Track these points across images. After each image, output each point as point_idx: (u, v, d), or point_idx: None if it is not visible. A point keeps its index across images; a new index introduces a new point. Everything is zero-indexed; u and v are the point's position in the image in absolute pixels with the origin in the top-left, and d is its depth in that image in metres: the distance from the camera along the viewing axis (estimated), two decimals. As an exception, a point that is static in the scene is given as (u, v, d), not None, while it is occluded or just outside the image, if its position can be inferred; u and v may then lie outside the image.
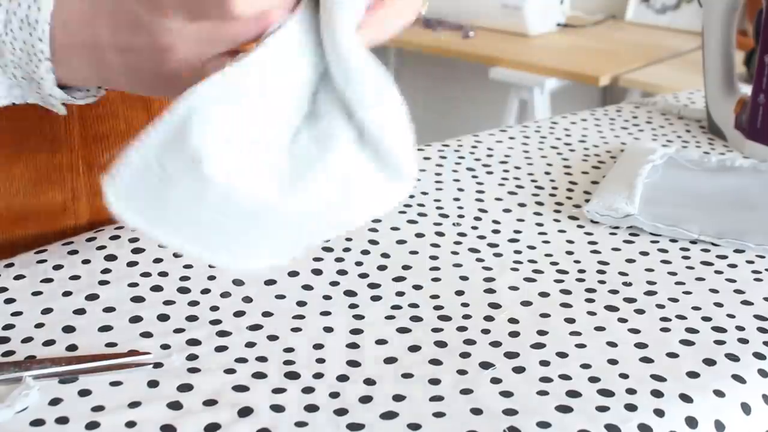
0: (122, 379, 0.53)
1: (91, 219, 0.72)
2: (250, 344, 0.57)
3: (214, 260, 0.47)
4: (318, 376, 0.54)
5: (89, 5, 0.50)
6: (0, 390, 0.51)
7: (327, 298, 0.63)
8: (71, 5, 0.50)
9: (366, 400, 0.52)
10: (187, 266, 0.66)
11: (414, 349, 0.57)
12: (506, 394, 0.52)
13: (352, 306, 0.62)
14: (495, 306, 0.62)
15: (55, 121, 0.68)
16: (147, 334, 0.57)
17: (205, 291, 0.63)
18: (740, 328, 0.60)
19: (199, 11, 0.46)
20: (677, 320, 0.61)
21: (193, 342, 0.57)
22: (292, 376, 0.54)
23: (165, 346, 0.56)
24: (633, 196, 0.76)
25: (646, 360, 0.56)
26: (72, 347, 0.56)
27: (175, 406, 0.51)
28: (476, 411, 0.51)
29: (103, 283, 0.63)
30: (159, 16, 0.47)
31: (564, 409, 0.51)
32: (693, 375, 0.55)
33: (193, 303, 0.61)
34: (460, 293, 0.64)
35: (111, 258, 0.66)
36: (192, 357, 0.55)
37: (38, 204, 0.70)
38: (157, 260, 0.66)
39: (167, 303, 0.61)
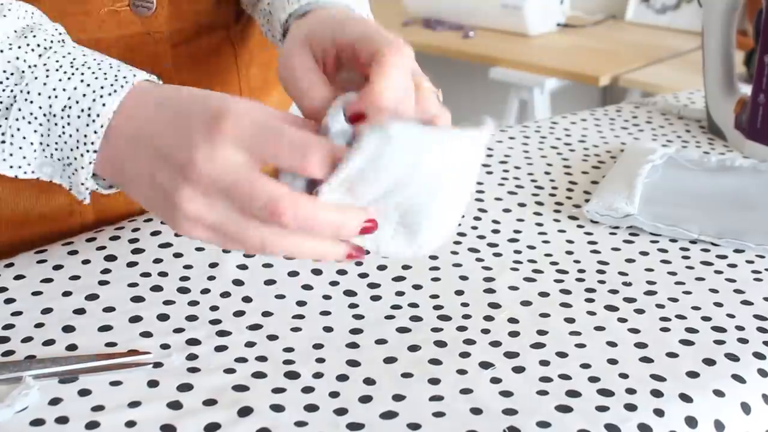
0: (122, 379, 0.53)
1: (97, 220, 0.72)
2: (250, 344, 0.57)
3: None
4: (318, 375, 0.54)
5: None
6: (0, 390, 0.51)
7: (327, 298, 0.63)
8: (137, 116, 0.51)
9: (366, 399, 0.52)
10: (187, 266, 0.66)
11: (414, 348, 0.57)
12: (506, 393, 0.52)
13: (352, 306, 0.62)
14: (495, 306, 0.62)
15: None
16: (147, 334, 0.57)
17: (205, 291, 0.63)
18: (740, 328, 0.60)
19: (249, 208, 0.47)
20: (677, 320, 0.61)
21: (193, 342, 0.57)
22: (292, 375, 0.54)
23: (165, 346, 0.56)
24: (633, 196, 0.76)
25: (646, 360, 0.56)
26: (72, 347, 0.56)
27: (175, 405, 0.51)
28: (476, 411, 0.51)
29: (102, 283, 0.63)
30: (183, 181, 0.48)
31: (564, 408, 0.51)
32: (693, 375, 0.55)
33: (193, 303, 0.61)
34: (459, 293, 0.64)
35: (111, 258, 0.66)
36: (192, 357, 0.55)
37: (44, 207, 0.70)
38: (157, 260, 0.66)
39: (167, 303, 0.61)
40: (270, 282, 0.64)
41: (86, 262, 0.65)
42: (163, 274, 0.65)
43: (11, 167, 0.54)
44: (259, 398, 0.52)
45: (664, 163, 0.85)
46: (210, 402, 0.51)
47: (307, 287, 0.64)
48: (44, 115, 0.52)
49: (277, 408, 0.51)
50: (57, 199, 0.70)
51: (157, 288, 0.63)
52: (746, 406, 0.53)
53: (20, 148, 0.53)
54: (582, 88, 2.38)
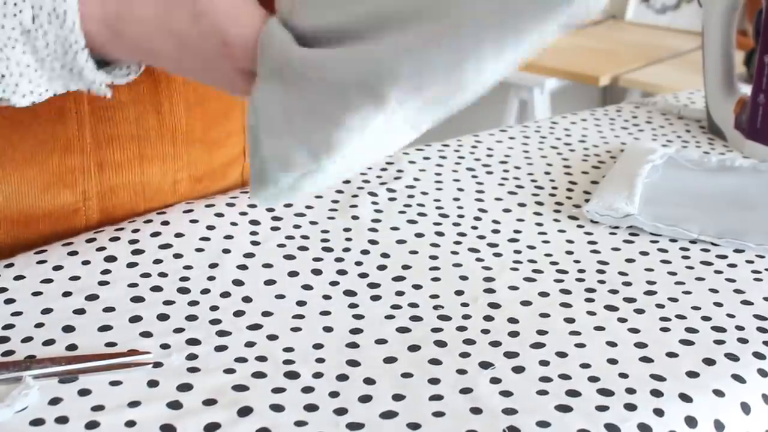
0: (122, 379, 0.53)
1: (101, 219, 0.72)
2: (250, 344, 0.57)
3: None
4: (318, 375, 0.54)
5: None
6: (0, 389, 0.51)
7: (327, 297, 0.63)
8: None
9: (366, 399, 0.52)
10: (187, 267, 0.66)
11: (414, 348, 0.57)
12: (506, 393, 0.52)
13: (352, 306, 0.62)
14: (495, 306, 0.62)
15: (68, 125, 0.68)
16: (147, 334, 0.57)
17: (205, 291, 0.63)
18: (740, 328, 0.60)
19: None
20: (677, 320, 0.61)
21: (193, 342, 0.57)
22: (292, 375, 0.54)
23: (165, 346, 0.56)
24: (633, 196, 0.76)
25: (646, 360, 0.56)
26: (72, 347, 0.56)
27: (175, 405, 0.51)
28: (476, 410, 0.51)
29: (102, 283, 0.63)
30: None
31: (564, 408, 0.51)
32: (693, 375, 0.55)
33: (193, 303, 0.61)
34: (459, 293, 0.64)
35: (111, 259, 0.66)
36: (192, 357, 0.55)
37: (50, 206, 0.70)
38: (157, 261, 0.66)
39: (167, 303, 0.61)
40: (270, 282, 0.64)
41: (86, 262, 0.65)
42: (162, 274, 0.65)
43: (24, 96, 0.54)
44: (259, 398, 0.52)
45: (664, 163, 0.85)
46: (210, 402, 0.51)
47: (307, 287, 0.64)
48: (21, 34, 0.52)
49: (277, 408, 0.51)
50: (62, 196, 0.70)
51: (156, 288, 0.63)
52: (746, 406, 0.53)
53: (21, 75, 0.53)
54: (582, 88, 2.38)
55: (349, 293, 0.63)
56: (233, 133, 0.79)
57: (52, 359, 0.54)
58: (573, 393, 0.53)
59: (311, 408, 0.51)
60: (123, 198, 0.73)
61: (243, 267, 0.66)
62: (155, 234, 0.69)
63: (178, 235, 0.70)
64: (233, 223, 0.72)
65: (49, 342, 0.56)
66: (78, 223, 0.71)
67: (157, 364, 0.54)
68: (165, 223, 0.71)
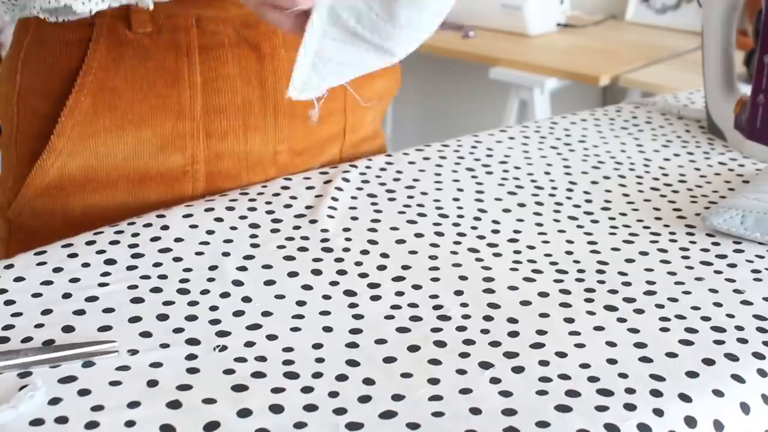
0: (121, 379, 0.53)
1: (207, 185, 0.78)
2: (250, 344, 0.57)
3: None
4: (317, 375, 0.54)
5: None
6: (1, 390, 0.51)
7: (327, 298, 0.63)
8: None
9: (365, 399, 0.52)
10: (187, 269, 0.66)
11: (413, 348, 0.57)
12: (505, 393, 0.52)
13: (352, 306, 0.62)
14: (494, 306, 0.62)
15: (182, 94, 0.75)
16: (147, 334, 0.57)
17: (205, 291, 0.63)
18: (739, 328, 0.60)
19: None
20: (676, 320, 0.61)
21: (193, 342, 0.57)
22: (292, 375, 0.54)
23: (165, 346, 0.56)
24: None
25: (646, 360, 0.56)
26: (72, 347, 0.55)
27: (175, 405, 0.51)
28: (475, 411, 0.51)
29: (102, 284, 0.63)
30: None
31: (563, 408, 0.51)
32: (692, 375, 0.55)
33: (193, 303, 0.61)
34: (459, 293, 0.64)
35: (110, 262, 0.66)
36: (192, 357, 0.55)
37: (162, 166, 0.76)
38: (157, 264, 0.66)
39: (167, 303, 0.61)
40: (270, 282, 0.64)
41: (86, 265, 0.65)
42: (162, 276, 0.65)
43: (84, 3, 0.62)
44: (259, 398, 0.52)
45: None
46: (209, 402, 0.51)
47: (306, 287, 0.64)
48: None
49: (277, 408, 0.51)
50: (173, 159, 0.76)
51: (156, 289, 0.63)
52: (745, 406, 0.53)
53: None
54: (582, 88, 2.38)
55: (349, 293, 0.63)
56: (335, 111, 0.84)
57: (4, 352, 0.54)
58: (572, 393, 0.53)
59: (311, 408, 0.51)
60: (227, 164, 0.78)
61: (243, 268, 0.66)
62: (155, 239, 0.69)
63: (178, 239, 0.70)
64: (233, 227, 0.72)
65: (48, 342, 0.56)
66: (186, 185, 0.77)
67: (157, 364, 0.54)
68: (164, 227, 0.71)
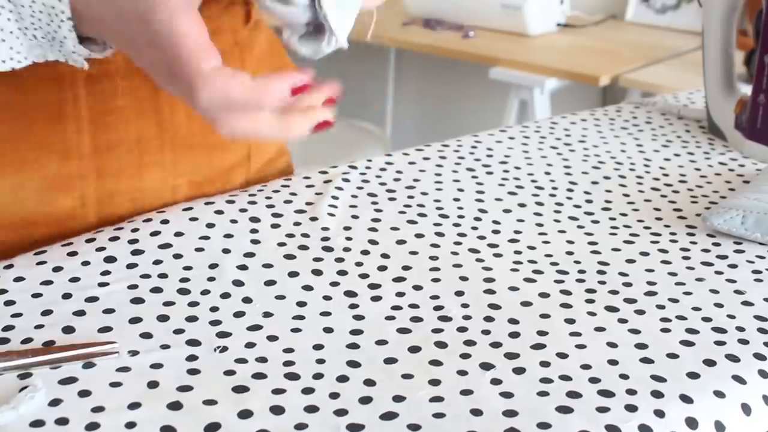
0: (122, 380, 0.53)
1: (99, 226, 0.72)
2: (250, 345, 0.57)
3: None
4: (318, 376, 0.54)
5: None
6: (1, 390, 0.51)
7: (327, 298, 0.62)
8: None
9: (366, 400, 0.52)
10: (187, 267, 0.66)
11: (414, 349, 0.57)
12: (506, 394, 0.52)
13: (352, 306, 0.62)
14: (495, 306, 0.62)
15: (67, 130, 0.68)
16: (147, 335, 0.57)
17: (205, 292, 0.63)
18: (740, 329, 0.60)
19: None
20: (677, 321, 0.61)
21: (193, 342, 0.57)
22: (292, 376, 0.54)
23: (165, 347, 0.56)
24: None
25: (647, 360, 0.56)
26: (71, 348, 0.55)
27: (175, 406, 0.51)
28: (476, 412, 0.51)
29: (102, 284, 0.63)
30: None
31: (564, 409, 0.51)
32: (693, 375, 0.55)
33: (193, 303, 0.61)
34: (460, 293, 0.63)
35: (110, 259, 0.66)
36: (192, 357, 0.55)
37: (48, 210, 0.70)
38: (157, 261, 0.66)
39: (167, 304, 0.61)
40: (270, 283, 0.64)
41: (86, 263, 0.65)
42: (162, 275, 0.65)
43: (3, 62, 0.55)
44: (259, 399, 0.52)
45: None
46: (210, 402, 0.51)
47: (307, 288, 0.64)
48: (8, 1, 0.54)
49: (277, 409, 0.51)
50: (59, 202, 0.70)
51: (156, 289, 0.63)
52: (747, 407, 0.53)
53: (3, 40, 0.54)
54: (582, 88, 2.38)
55: (350, 294, 0.63)
56: None
57: (3, 353, 0.54)
58: (573, 394, 0.53)
59: (311, 409, 0.51)
60: (121, 204, 0.72)
61: (243, 267, 0.66)
62: (155, 233, 0.69)
63: (178, 234, 0.70)
64: (233, 221, 0.72)
65: (49, 344, 0.56)
66: (76, 229, 0.71)
67: (157, 365, 0.54)
68: (164, 221, 0.71)
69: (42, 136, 0.68)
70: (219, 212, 0.73)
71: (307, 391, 0.52)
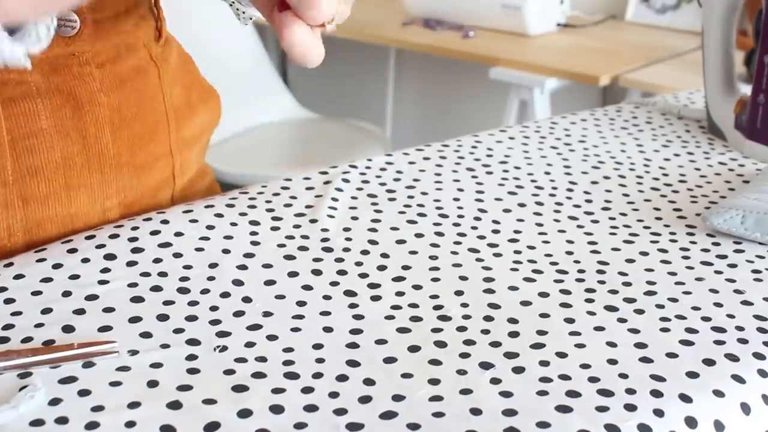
0: (122, 380, 0.53)
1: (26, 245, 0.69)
2: (250, 344, 0.57)
3: None
4: (317, 376, 0.54)
5: None
6: (1, 390, 0.51)
7: (327, 298, 0.63)
8: None
9: (365, 400, 0.52)
10: (187, 266, 0.66)
11: (414, 349, 0.57)
12: (506, 394, 0.52)
13: (352, 306, 0.62)
14: (495, 306, 0.62)
15: None
16: (147, 334, 0.57)
17: (205, 291, 0.63)
18: (740, 329, 0.60)
19: None
20: (677, 320, 0.61)
21: (193, 342, 0.57)
22: (292, 376, 0.54)
23: (165, 346, 0.56)
24: None
25: (646, 360, 0.56)
26: (71, 348, 0.55)
27: (175, 405, 0.51)
28: (476, 411, 0.51)
29: (102, 282, 0.63)
30: None
31: (563, 409, 0.51)
32: (693, 375, 0.55)
33: (193, 303, 0.61)
34: (459, 293, 0.64)
35: (110, 257, 0.66)
36: (192, 357, 0.55)
37: None
38: (157, 260, 0.66)
39: (167, 303, 0.61)
40: (270, 282, 0.64)
41: (85, 260, 0.65)
42: (162, 274, 0.65)
43: None
44: (259, 398, 0.52)
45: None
46: (210, 402, 0.51)
47: (307, 287, 0.64)
48: None
49: (277, 408, 0.51)
50: None
51: (156, 288, 0.63)
52: (746, 406, 0.53)
53: None
54: (582, 88, 2.38)
55: (349, 293, 0.63)
56: (161, 156, 0.77)
57: (3, 353, 0.54)
58: (573, 393, 0.53)
59: (311, 408, 0.51)
60: (50, 231, 0.70)
61: (243, 267, 0.66)
62: (155, 232, 0.69)
63: (178, 233, 0.70)
64: (233, 223, 0.72)
65: (48, 343, 0.56)
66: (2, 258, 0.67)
67: (157, 365, 0.54)
68: (164, 222, 0.71)
69: None
70: (219, 215, 0.73)
71: (307, 390, 0.52)
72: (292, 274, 0.65)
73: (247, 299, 0.62)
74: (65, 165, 0.69)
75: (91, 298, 0.61)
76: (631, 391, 0.53)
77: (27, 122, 0.66)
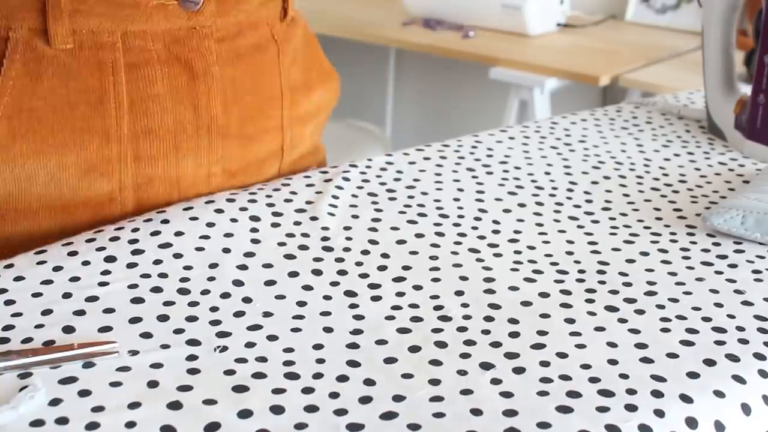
0: (122, 380, 0.53)
1: (136, 210, 0.74)
2: (250, 344, 0.57)
3: None
4: (318, 376, 0.54)
5: None
6: (2, 390, 0.51)
7: (327, 298, 0.63)
8: None
9: (366, 400, 0.52)
10: (187, 267, 0.66)
11: (414, 349, 0.57)
12: (506, 394, 0.52)
13: (353, 306, 0.62)
14: (495, 306, 0.62)
15: (107, 115, 0.71)
16: (147, 335, 0.57)
17: (205, 292, 0.63)
18: (740, 329, 0.60)
19: None
20: (677, 320, 0.61)
21: (193, 342, 0.57)
22: (292, 376, 0.54)
23: (165, 346, 0.56)
24: None
25: (647, 360, 0.56)
26: (71, 348, 0.55)
27: (175, 406, 0.51)
28: (476, 411, 0.51)
29: (102, 284, 0.63)
30: None
31: (564, 409, 0.51)
32: (693, 375, 0.55)
33: (193, 303, 0.61)
34: (460, 293, 0.64)
35: (110, 259, 0.66)
36: (192, 357, 0.55)
37: (87, 193, 0.72)
38: (157, 261, 0.66)
39: (167, 303, 0.61)
40: (270, 282, 0.64)
41: (86, 263, 0.65)
42: (162, 275, 0.65)
43: None
44: (259, 399, 0.52)
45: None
46: (210, 402, 0.51)
47: (307, 288, 0.64)
48: None
49: (277, 409, 0.51)
50: (98, 185, 0.72)
51: (156, 289, 0.63)
52: (746, 407, 0.53)
53: None
54: (582, 88, 2.38)
55: (350, 294, 0.63)
56: (271, 129, 0.81)
57: (3, 353, 0.53)
58: (573, 394, 0.53)
59: (311, 409, 0.51)
60: (158, 189, 0.75)
61: (243, 267, 0.66)
62: (155, 233, 0.69)
63: (178, 233, 0.70)
64: (233, 220, 0.72)
65: (49, 343, 0.56)
66: (113, 213, 0.74)
67: (158, 365, 0.54)
68: (165, 221, 0.71)
69: (84, 120, 0.70)
70: (219, 211, 0.73)
71: (307, 390, 0.52)
72: (293, 274, 0.65)
73: (247, 299, 0.62)
74: (176, 129, 0.74)
75: (92, 299, 0.61)
76: (631, 392, 0.53)
77: (146, 86, 0.72)
